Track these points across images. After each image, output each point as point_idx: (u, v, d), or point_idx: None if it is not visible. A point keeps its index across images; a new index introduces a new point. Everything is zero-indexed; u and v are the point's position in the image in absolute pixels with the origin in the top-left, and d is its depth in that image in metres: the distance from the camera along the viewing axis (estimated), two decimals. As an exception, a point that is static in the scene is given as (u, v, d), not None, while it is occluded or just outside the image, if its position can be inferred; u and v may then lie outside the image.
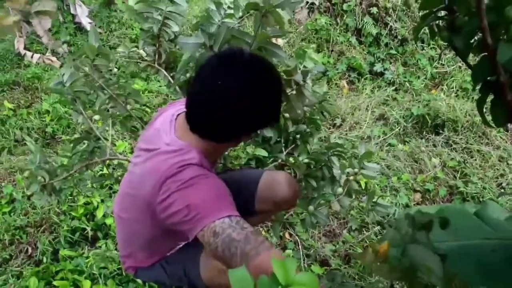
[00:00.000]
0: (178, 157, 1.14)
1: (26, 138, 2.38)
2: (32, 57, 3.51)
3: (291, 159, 1.85)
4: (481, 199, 2.62)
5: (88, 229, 2.24)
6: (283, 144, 1.81)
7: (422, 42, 3.98)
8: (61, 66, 3.56)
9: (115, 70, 1.77)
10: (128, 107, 1.81)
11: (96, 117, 1.73)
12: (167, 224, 1.14)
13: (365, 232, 2.41)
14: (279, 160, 1.83)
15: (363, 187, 2.60)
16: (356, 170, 1.69)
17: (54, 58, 3.60)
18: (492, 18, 0.88)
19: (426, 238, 0.70)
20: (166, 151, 1.18)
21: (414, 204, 2.66)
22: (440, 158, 2.96)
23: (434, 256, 0.68)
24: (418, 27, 1.08)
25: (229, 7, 1.52)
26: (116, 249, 2.14)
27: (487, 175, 2.81)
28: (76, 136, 2.72)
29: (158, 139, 1.24)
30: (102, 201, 2.35)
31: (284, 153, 1.81)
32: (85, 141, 1.80)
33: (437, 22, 1.02)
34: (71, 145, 1.76)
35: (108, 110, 1.79)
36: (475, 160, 2.94)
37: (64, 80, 1.64)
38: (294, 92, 1.56)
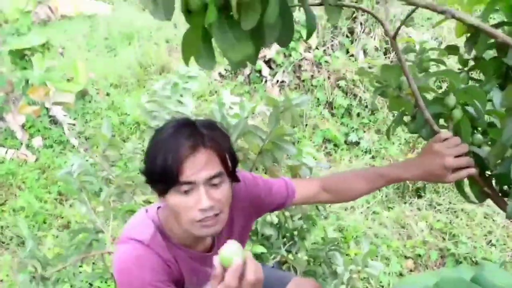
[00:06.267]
0: (135, 228, 1.10)
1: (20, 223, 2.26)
2: (6, 153, 3.45)
3: (290, 256, 1.85)
4: (473, 259, 2.59)
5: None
6: (283, 239, 1.84)
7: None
8: (36, 160, 3.51)
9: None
10: (135, 197, 1.83)
11: (101, 208, 1.72)
12: None
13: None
14: (279, 257, 1.83)
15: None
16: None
17: (29, 153, 3.55)
18: (437, 108, 1.08)
19: None
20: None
21: (407, 272, 2.60)
22: (426, 221, 2.95)
23: None
24: (391, 128, 1.27)
25: (230, 107, 1.66)
26: None
27: (475, 234, 2.80)
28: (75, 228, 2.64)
29: None
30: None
31: (283, 249, 1.82)
32: (83, 233, 1.77)
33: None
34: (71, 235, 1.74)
35: (110, 204, 1.80)
36: (461, 219, 2.94)
37: (72, 169, 1.66)
38: None
